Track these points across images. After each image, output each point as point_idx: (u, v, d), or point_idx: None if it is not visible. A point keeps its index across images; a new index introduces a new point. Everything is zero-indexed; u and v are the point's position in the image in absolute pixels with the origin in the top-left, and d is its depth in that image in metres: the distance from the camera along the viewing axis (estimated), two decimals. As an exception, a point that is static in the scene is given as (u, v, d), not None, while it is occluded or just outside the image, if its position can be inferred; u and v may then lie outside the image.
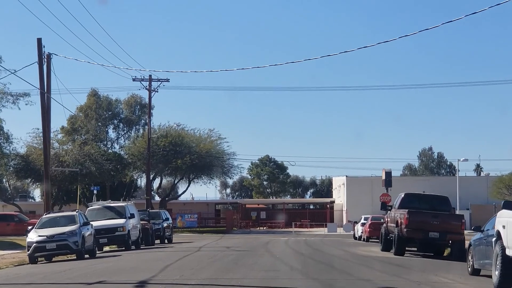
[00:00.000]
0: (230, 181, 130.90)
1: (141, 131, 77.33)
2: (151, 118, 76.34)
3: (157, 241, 46.82)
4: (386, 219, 32.15)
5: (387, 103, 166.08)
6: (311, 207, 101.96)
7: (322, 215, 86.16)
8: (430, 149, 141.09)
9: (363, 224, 49.04)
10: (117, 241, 36.79)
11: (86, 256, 30.59)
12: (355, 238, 51.94)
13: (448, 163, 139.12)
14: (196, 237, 60.75)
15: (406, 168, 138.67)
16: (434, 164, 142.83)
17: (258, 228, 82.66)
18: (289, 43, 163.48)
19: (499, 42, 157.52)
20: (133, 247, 38.48)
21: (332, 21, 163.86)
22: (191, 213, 75.79)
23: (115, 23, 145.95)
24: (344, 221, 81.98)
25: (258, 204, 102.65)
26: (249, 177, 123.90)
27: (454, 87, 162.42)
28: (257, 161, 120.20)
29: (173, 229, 51.47)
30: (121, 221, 36.34)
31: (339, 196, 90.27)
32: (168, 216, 50.68)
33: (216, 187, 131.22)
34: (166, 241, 48.49)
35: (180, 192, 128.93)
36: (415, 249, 31.55)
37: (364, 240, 47.17)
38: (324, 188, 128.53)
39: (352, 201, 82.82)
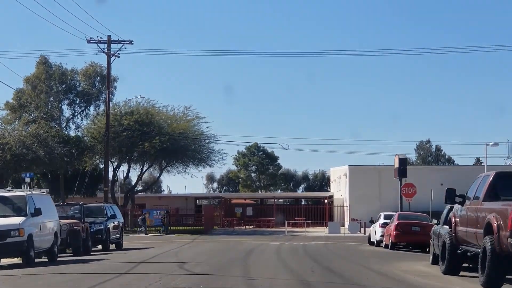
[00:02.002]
0: (217, 175, 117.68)
1: (102, 107, 63.80)
2: (113, 90, 63.50)
3: (99, 247, 33.88)
4: (454, 219, 18.71)
5: (383, 95, 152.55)
6: (303, 202, 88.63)
7: (320, 212, 72.77)
8: (428, 142, 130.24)
9: (384, 225, 35.67)
10: (9, 252, 23.30)
11: None
12: (370, 242, 38.54)
13: (446, 156, 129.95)
14: (162, 239, 47.36)
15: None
16: (432, 157, 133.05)
17: (244, 227, 69.31)
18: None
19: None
20: (45, 258, 25.41)
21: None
22: (162, 209, 62.20)
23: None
24: (346, 219, 68.74)
25: (245, 199, 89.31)
26: (235, 168, 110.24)
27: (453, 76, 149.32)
28: (244, 150, 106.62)
29: (123, 230, 37.85)
30: (15, 220, 22.87)
31: (339, 190, 76.92)
32: (117, 212, 37.21)
33: (201, 179, 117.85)
34: (114, 246, 35.48)
35: (156, 184, 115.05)
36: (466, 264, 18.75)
37: (387, 247, 33.72)
38: (317, 183, 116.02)
39: (356, 195, 69.47)
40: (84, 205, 33.95)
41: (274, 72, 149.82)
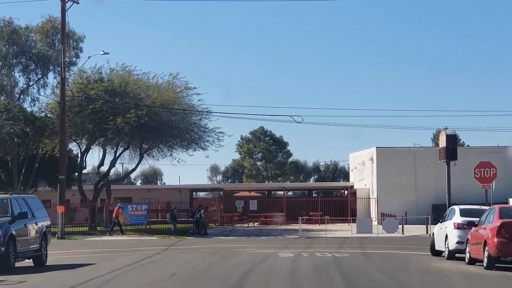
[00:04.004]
0: (221, 167, 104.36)
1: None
2: (78, 52, 49.95)
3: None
4: None
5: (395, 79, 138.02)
6: (313, 195, 74.83)
7: (340, 205, 59.06)
8: (446, 129, 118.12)
9: (465, 226, 22.04)
10: None
11: None
12: (435, 252, 24.87)
13: (465, 146, 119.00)
14: (128, 244, 33.79)
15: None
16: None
17: (247, 225, 55.91)
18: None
19: None
20: None
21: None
22: (138, 203, 48.44)
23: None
24: (373, 214, 55.25)
25: (250, 191, 75.83)
26: (239, 156, 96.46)
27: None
28: (248, 135, 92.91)
29: (48, 236, 23.97)
30: None
31: (362, 179, 63.24)
32: (36, 208, 23.38)
33: (206, 171, 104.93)
34: (32, 262, 22.26)
35: (154, 176, 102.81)
36: None
37: (474, 262, 20.14)
38: (329, 175, 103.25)
39: (386, 185, 55.90)
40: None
41: (282, 30, 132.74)
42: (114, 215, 44.30)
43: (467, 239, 21.18)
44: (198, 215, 44.73)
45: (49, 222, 24.06)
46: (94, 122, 46.05)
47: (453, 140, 44.34)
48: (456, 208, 23.85)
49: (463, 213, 23.12)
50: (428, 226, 41.00)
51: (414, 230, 44.37)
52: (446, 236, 23.28)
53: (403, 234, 40.74)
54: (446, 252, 23.21)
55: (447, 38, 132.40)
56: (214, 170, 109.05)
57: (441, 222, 24.78)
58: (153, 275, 17.22)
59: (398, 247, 29.59)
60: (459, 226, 22.54)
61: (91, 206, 48.92)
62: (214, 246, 31.17)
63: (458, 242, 22.34)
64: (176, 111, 47.89)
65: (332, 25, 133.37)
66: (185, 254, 25.64)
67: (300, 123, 40.68)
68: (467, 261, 20.99)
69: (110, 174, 52.90)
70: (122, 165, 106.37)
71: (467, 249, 21.06)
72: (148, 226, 46.22)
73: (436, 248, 24.73)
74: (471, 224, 21.18)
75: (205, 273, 17.24)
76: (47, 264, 22.70)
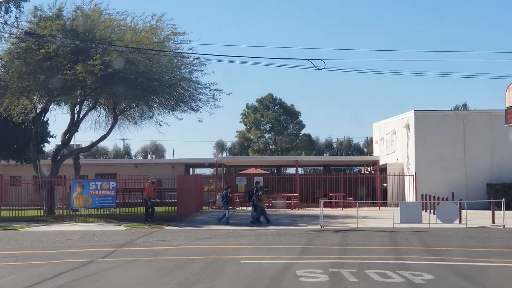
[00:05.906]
0: (228, 143, 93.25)
1: (13, 16, 38.45)
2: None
3: None
4: None
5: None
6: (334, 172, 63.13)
7: (367, 184, 47.38)
8: (465, 106, 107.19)
9: None
10: None
11: None
12: None
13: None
14: (61, 242, 22.26)
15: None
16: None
17: (251, 208, 44.34)
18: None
19: None
20: None
21: None
22: (104, 180, 36.38)
23: None
24: (410, 196, 43.94)
25: (256, 167, 64.64)
26: (244, 126, 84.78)
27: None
28: (255, 104, 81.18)
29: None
30: None
31: (392, 152, 51.71)
32: None
33: (212, 148, 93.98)
34: None
35: (157, 150, 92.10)
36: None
37: None
38: (343, 152, 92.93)
39: (428, 158, 44.41)
40: None
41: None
42: (146, 194, 32.86)
43: None
44: (255, 197, 32.52)
45: None
46: (49, 71, 34.47)
47: (529, 97, 33.48)
48: None
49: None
50: (498, 212, 29.73)
51: (472, 217, 33.28)
52: None
53: (462, 224, 29.31)
54: None
55: None
56: (220, 146, 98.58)
57: None
58: None
59: (486, 251, 18.04)
60: None
61: (48, 183, 37.49)
62: (191, 246, 19.63)
63: None
64: (155, 56, 36.27)
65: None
66: (125, 270, 14.14)
67: (321, 69, 28.90)
68: None
69: (64, 139, 40.41)
70: (124, 141, 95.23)
71: None
72: (124, 210, 34.43)
73: None
74: None
75: None
76: None
